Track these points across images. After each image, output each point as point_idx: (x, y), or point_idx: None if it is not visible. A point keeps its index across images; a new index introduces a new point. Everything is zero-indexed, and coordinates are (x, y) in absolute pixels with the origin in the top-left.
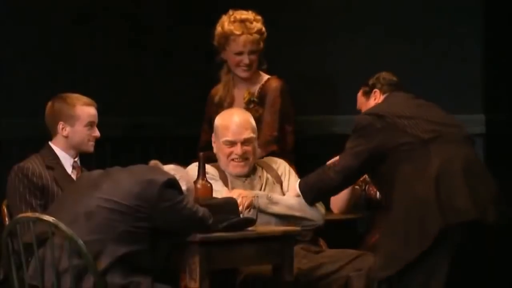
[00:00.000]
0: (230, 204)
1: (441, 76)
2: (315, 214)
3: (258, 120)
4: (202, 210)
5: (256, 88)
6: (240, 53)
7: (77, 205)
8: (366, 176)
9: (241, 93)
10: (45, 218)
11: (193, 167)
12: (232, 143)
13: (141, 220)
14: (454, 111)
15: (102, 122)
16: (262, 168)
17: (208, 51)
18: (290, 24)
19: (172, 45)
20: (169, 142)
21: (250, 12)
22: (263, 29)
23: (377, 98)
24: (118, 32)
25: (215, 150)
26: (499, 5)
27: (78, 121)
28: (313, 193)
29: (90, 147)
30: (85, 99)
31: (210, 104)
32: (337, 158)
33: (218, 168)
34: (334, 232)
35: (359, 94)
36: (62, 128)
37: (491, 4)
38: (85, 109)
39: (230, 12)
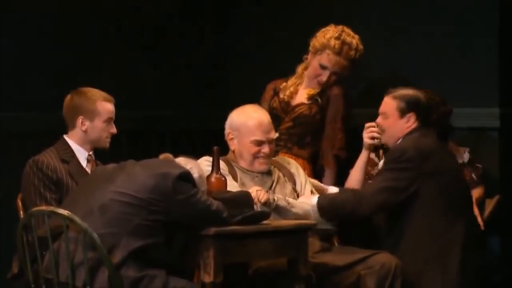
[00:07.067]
0: (244, 198)
1: (457, 70)
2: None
3: (307, 117)
4: (216, 204)
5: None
6: (324, 68)
7: (92, 199)
8: (378, 170)
9: (304, 90)
10: (60, 212)
11: (202, 162)
12: (261, 142)
13: (156, 214)
14: (469, 104)
15: (117, 115)
16: (274, 167)
17: (221, 48)
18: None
19: (187, 42)
20: (184, 136)
21: (356, 38)
22: (357, 60)
23: (410, 122)
24: (133, 28)
25: (233, 147)
26: None
27: (98, 116)
28: (334, 216)
29: (106, 143)
30: (104, 94)
31: (267, 92)
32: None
33: (227, 162)
34: (347, 227)
35: (391, 102)
36: (82, 123)
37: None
38: (105, 105)
39: (341, 27)
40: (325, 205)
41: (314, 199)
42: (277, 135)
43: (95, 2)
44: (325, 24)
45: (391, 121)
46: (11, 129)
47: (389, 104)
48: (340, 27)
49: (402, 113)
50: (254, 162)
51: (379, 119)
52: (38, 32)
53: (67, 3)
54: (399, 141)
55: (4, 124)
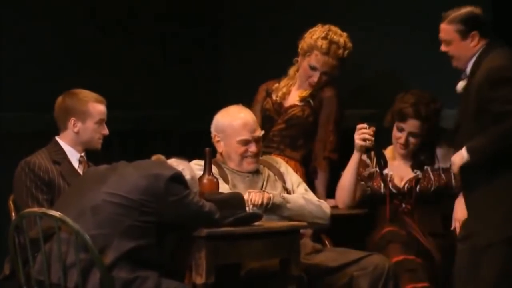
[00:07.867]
0: (236, 199)
1: (451, 71)
2: (322, 214)
3: (300, 119)
4: (208, 205)
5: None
6: (314, 69)
7: (84, 200)
8: (370, 172)
9: (296, 91)
10: (51, 213)
11: (192, 165)
12: (247, 142)
13: (147, 215)
14: None
15: (109, 116)
16: (263, 166)
17: (215, 48)
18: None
19: (181, 43)
20: (177, 136)
21: (344, 36)
22: (345, 57)
23: (475, 41)
24: (126, 28)
25: (221, 149)
26: (507, 3)
27: (89, 117)
28: (495, 151)
29: (98, 144)
30: (96, 96)
31: (260, 93)
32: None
33: (216, 165)
34: (339, 228)
35: (447, 27)
36: (74, 124)
37: (499, 2)
38: (96, 106)
39: (328, 26)
40: (480, 150)
41: (464, 153)
42: (262, 132)
43: (94, 4)
44: (318, 24)
45: (455, 45)
46: (11, 129)
47: (446, 30)
48: (326, 27)
49: (463, 34)
50: (243, 162)
51: (443, 47)
52: (38, 33)
53: (67, 3)
54: (472, 62)
55: (4, 124)
